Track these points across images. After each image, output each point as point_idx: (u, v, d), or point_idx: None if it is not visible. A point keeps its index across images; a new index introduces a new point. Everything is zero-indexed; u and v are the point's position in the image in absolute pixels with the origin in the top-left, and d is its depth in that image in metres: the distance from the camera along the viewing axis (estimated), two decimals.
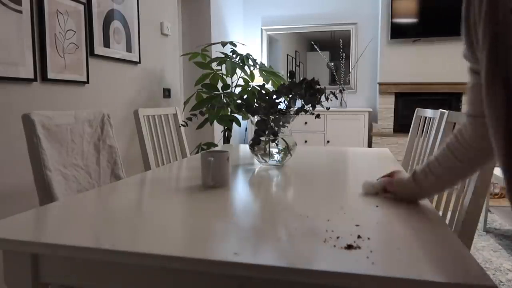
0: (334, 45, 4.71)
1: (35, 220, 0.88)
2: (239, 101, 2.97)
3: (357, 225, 0.83)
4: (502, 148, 0.61)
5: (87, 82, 2.22)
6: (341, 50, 4.69)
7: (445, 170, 0.89)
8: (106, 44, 2.38)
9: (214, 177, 1.16)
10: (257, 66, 3.22)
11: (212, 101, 3.05)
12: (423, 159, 1.73)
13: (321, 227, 0.81)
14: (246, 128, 4.83)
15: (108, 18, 2.39)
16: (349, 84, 4.73)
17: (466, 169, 0.87)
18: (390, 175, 1.07)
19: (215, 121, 3.13)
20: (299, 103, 1.46)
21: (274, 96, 1.45)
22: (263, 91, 1.50)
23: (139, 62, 2.73)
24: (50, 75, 1.95)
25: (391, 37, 4.23)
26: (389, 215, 0.91)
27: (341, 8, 4.68)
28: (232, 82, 3.25)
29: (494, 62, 0.61)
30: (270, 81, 3.28)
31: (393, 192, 1.05)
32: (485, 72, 0.62)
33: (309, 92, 1.44)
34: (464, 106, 4.21)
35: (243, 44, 3.81)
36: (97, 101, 2.34)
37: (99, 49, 2.31)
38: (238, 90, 3.35)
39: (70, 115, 1.49)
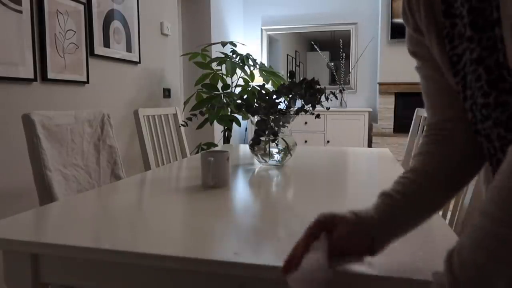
0: (334, 45, 4.71)
1: (35, 220, 0.88)
2: (239, 101, 2.96)
3: None
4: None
5: (87, 82, 2.22)
6: (341, 50, 4.69)
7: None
8: (106, 44, 2.38)
9: (214, 177, 1.16)
10: (257, 66, 3.22)
11: (212, 101, 3.05)
12: None
13: None
14: (246, 128, 4.83)
15: (108, 18, 2.39)
16: (349, 84, 4.73)
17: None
18: (318, 225, 0.62)
19: (215, 121, 3.13)
20: (299, 103, 1.46)
21: (274, 96, 1.45)
22: (263, 91, 1.50)
23: (139, 62, 2.73)
24: (50, 75, 1.95)
25: (391, 37, 4.23)
26: None
27: (341, 8, 4.67)
28: (232, 82, 3.25)
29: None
30: (270, 81, 3.28)
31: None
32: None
33: (309, 92, 1.44)
34: None
35: (243, 44, 3.81)
36: (97, 101, 2.34)
37: (99, 49, 2.31)
38: (238, 90, 3.35)
39: (70, 115, 1.49)
